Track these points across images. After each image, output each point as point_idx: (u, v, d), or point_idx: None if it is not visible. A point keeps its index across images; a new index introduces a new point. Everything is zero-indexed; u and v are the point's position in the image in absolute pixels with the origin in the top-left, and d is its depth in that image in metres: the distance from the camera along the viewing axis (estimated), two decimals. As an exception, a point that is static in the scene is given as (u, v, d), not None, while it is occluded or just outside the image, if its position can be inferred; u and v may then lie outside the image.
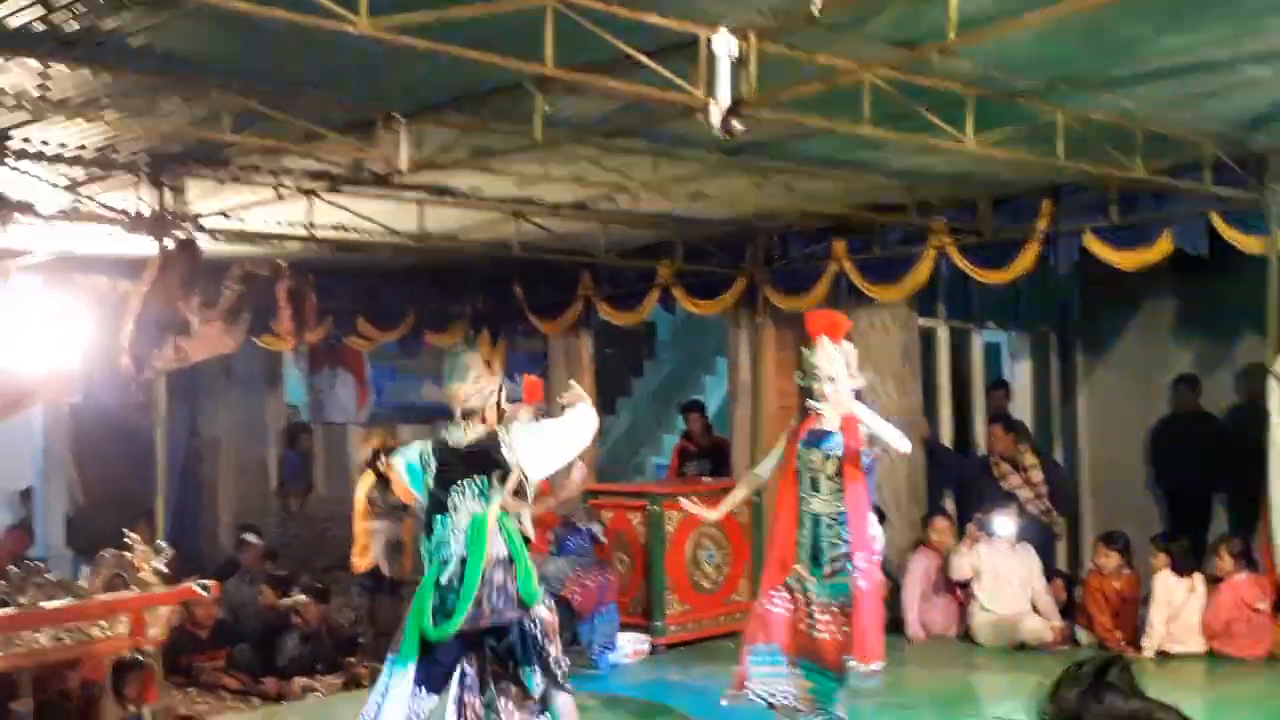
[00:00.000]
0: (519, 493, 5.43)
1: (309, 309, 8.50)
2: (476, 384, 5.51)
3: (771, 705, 6.17)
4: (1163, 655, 8.43)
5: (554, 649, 5.44)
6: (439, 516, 5.34)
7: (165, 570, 7.34)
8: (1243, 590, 8.38)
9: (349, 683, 9.06)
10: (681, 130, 7.00)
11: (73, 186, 8.05)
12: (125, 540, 7.26)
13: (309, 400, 14.88)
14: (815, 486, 6.22)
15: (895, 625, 9.48)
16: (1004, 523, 9.28)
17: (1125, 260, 9.05)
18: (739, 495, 6.96)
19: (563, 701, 5.49)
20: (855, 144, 7.46)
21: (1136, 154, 7.54)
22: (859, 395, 6.33)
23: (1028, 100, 6.74)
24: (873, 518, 6.29)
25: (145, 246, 8.65)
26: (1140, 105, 7.01)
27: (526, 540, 5.45)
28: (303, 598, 10.09)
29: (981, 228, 9.60)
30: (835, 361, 6.24)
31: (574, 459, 6.02)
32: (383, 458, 8.20)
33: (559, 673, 5.46)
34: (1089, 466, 11.46)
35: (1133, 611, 8.87)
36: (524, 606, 5.33)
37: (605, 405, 14.00)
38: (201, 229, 8.51)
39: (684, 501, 6.80)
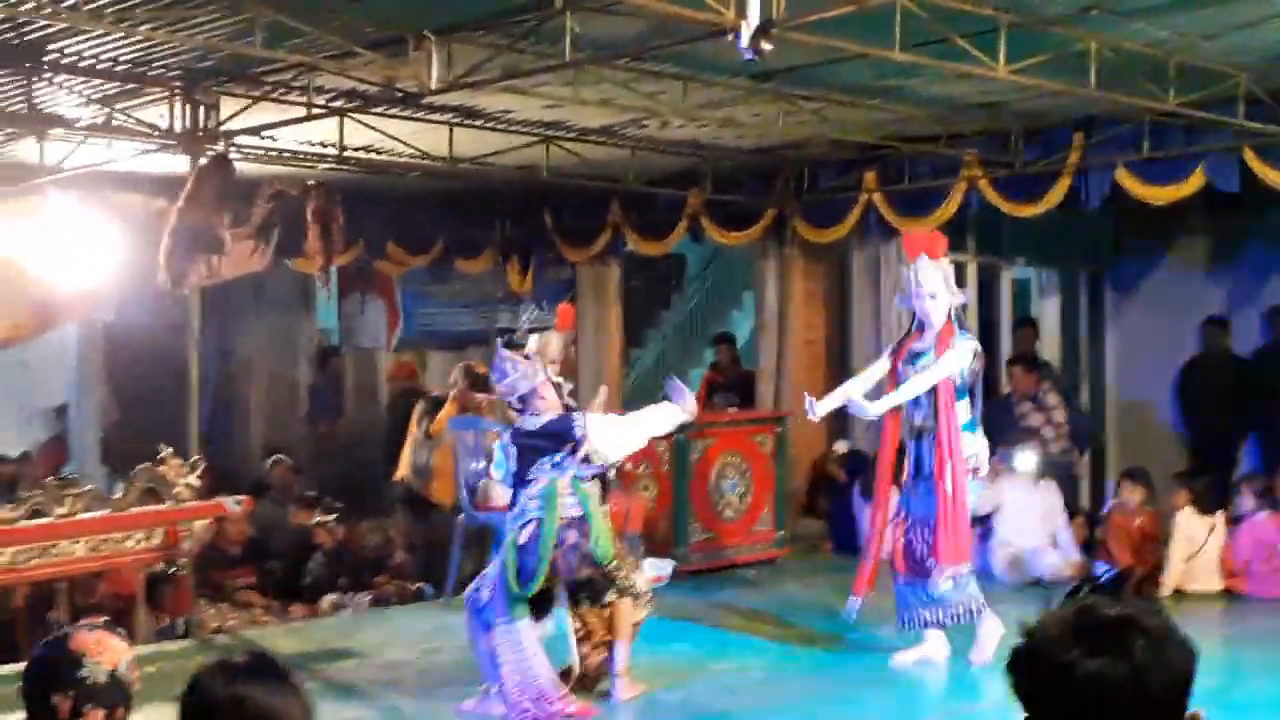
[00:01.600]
0: (594, 469, 5.93)
1: (336, 229, 8.53)
2: (516, 374, 5.93)
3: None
4: (1180, 593, 8.47)
5: (628, 573, 6.09)
6: (519, 489, 5.86)
7: (198, 485, 7.47)
8: (1263, 529, 8.39)
9: (378, 600, 9.20)
10: (711, 54, 6.99)
11: (106, 101, 8.10)
12: (159, 455, 7.38)
13: (339, 325, 14.99)
14: (916, 402, 6.57)
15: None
16: (1026, 458, 9.29)
17: (1156, 195, 8.98)
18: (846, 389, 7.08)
19: (624, 605, 6.04)
20: (886, 70, 7.42)
21: (1169, 86, 7.46)
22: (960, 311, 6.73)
23: (1061, 28, 6.68)
24: (970, 434, 6.59)
25: (178, 164, 8.72)
26: (1174, 35, 6.94)
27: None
28: (329, 518, 10.23)
29: (1013, 160, 9.54)
30: (935, 279, 6.58)
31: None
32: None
33: (630, 588, 6.07)
34: (1115, 405, 11.46)
35: (1153, 549, 8.89)
36: (595, 564, 5.90)
37: (632, 337, 14.07)
38: (234, 146, 8.56)
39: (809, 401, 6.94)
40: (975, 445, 6.66)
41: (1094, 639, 1.74)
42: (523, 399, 5.93)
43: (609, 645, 6.12)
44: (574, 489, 5.81)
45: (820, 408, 6.84)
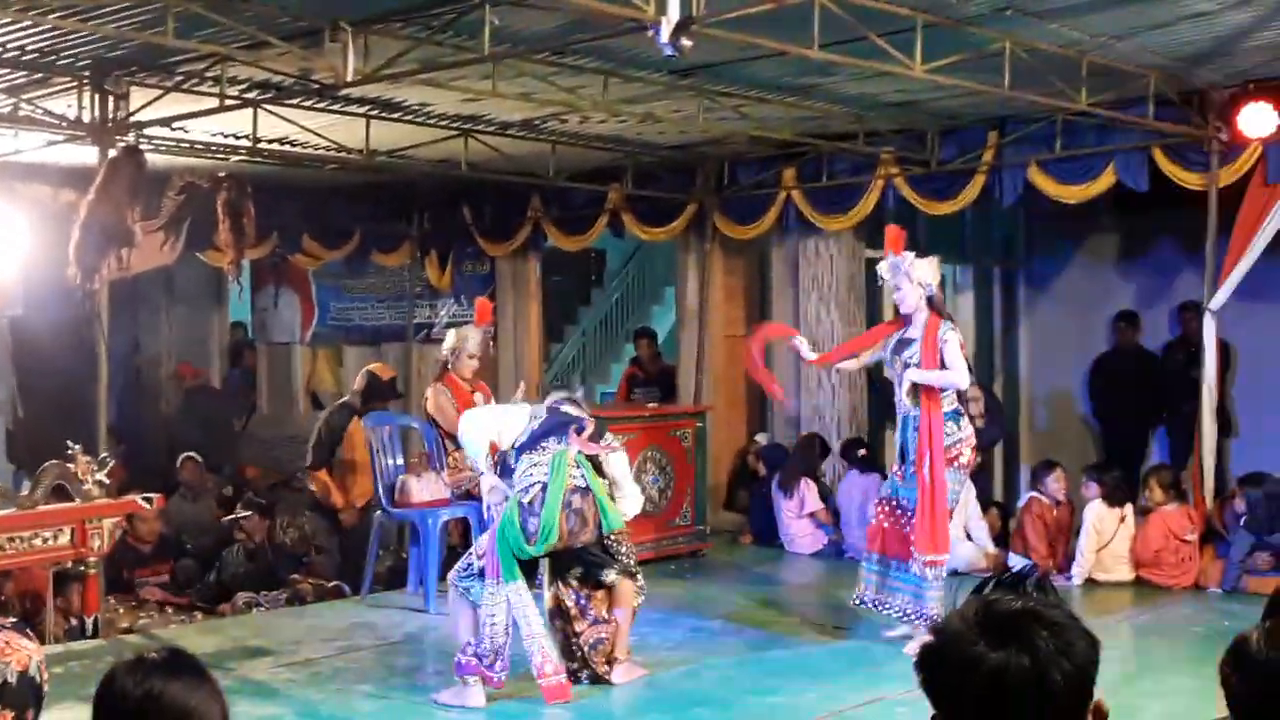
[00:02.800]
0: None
1: (247, 222, 8.39)
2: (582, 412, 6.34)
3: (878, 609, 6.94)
4: (1091, 583, 8.63)
5: (629, 551, 6.31)
6: (522, 459, 6.03)
7: (107, 482, 7.32)
8: (1171, 521, 8.56)
9: (293, 598, 9.09)
10: (632, 49, 7.00)
11: (13, 91, 7.92)
12: (68, 451, 7.21)
13: (253, 319, 14.78)
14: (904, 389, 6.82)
15: (837, 548, 9.69)
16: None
17: (1068, 194, 9.16)
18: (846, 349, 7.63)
19: (625, 586, 6.22)
20: (805, 68, 7.48)
21: (1082, 86, 7.61)
22: (932, 302, 6.86)
23: (976, 28, 6.77)
24: (951, 423, 6.72)
25: (87, 155, 8.54)
26: (1086, 36, 7.07)
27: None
28: (245, 514, 10.10)
29: (928, 158, 9.67)
30: (896, 273, 6.84)
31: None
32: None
33: (632, 567, 6.28)
34: (1028, 399, 11.66)
35: (1066, 540, 9.05)
36: (600, 530, 6.05)
37: (552, 333, 14.04)
38: (144, 138, 8.40)
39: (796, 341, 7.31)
40: (959, 434, 6.78)
41: (997, 632, 1.77)
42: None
43: (606, 624, 6.23)
44: (579, 462, 6.01)
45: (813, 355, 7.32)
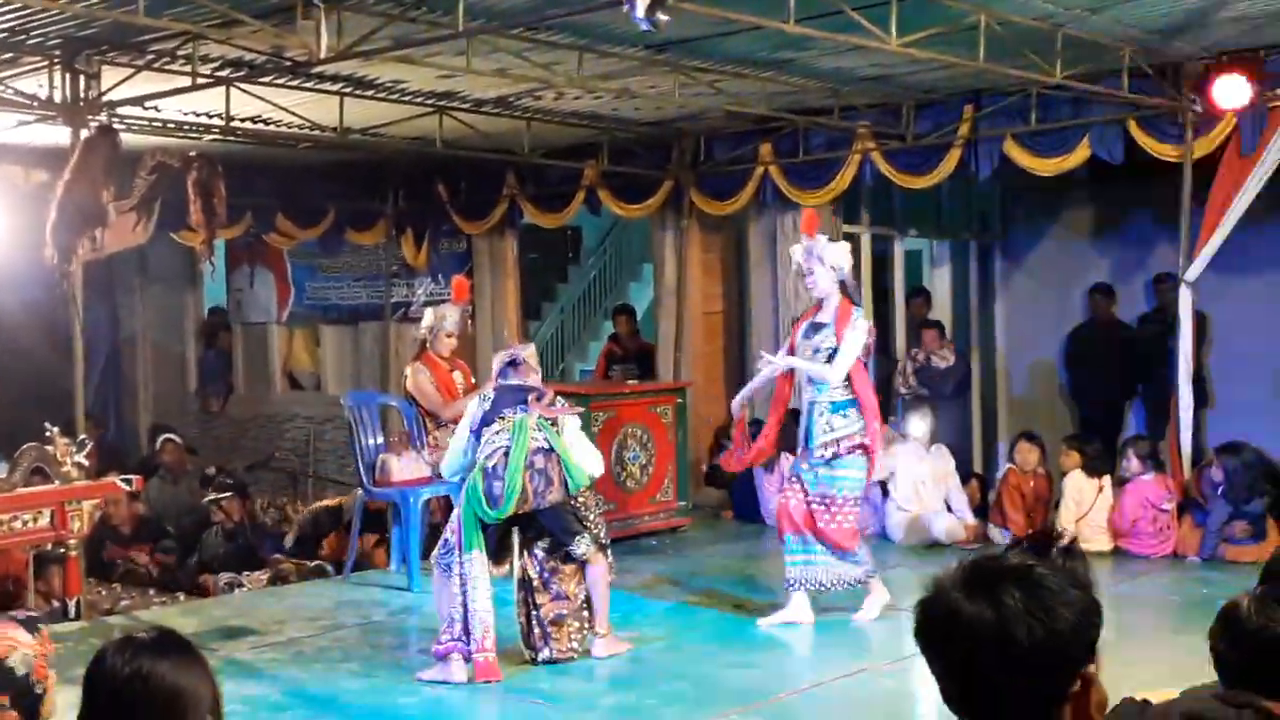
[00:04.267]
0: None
1: (218, 202, 8.31)
2: (533, 378, 6.27)
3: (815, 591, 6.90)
4: (1070, 552, 8.68)
5: (599, 522, 6.25)
6: (486, 428, 6.07)
7: (86, 464, 7.28)
8: (1149, 491, 8.62)
9: (274, 579, 9.08)
10: (607, 24, 6.97)
11: (-19, 71, 7.84)
12: (46, 433, 7.17)
13: (228, 299, 14.70)
14: (810, 376, 6.80)
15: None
16: (917, 424, 9.47)
17: (1044, 166, 9.18)
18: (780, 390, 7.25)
19: (598, 571, 6.19)
20: (781, 43, 7.47)
21: (1056, 59, 7.62)
22: (845, 288, 6.84)
23: (952, 1, 6.77)
24: (854, 410, 6.74)
25: (58, 135, 8.46)
26: (1061, 9, 7.08)
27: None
28: (222, 495, 10.08)
29: (904, 132, 9.67)
30: (810, 257, 6.80)
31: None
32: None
33: (603, 539, 6.22)
34: (1005, 371, 11.70)
35: (1045, 511, 9.11)
36: (567, 490, 6.03)
37: (530, 310, 14.01)
38: (116, 117, 8.33)
39: (765, 356, 7.18)
40: (854, 425, 6.76)
41: (974, 585, 1.80)
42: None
43: (567, 600, 6.20)
44: (540, 425, 6.01)
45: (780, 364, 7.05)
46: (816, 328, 6.81)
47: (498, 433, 6.03)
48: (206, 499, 10.28)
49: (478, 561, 5.94)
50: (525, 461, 5.92)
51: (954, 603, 1.79)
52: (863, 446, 6.76)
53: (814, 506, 6.78)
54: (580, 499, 6.20)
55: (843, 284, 6.81)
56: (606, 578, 6.29)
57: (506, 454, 5.94)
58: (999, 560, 1.85)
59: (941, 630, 1.81)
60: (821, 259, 6.75)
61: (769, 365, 6.94)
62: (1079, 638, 1.80)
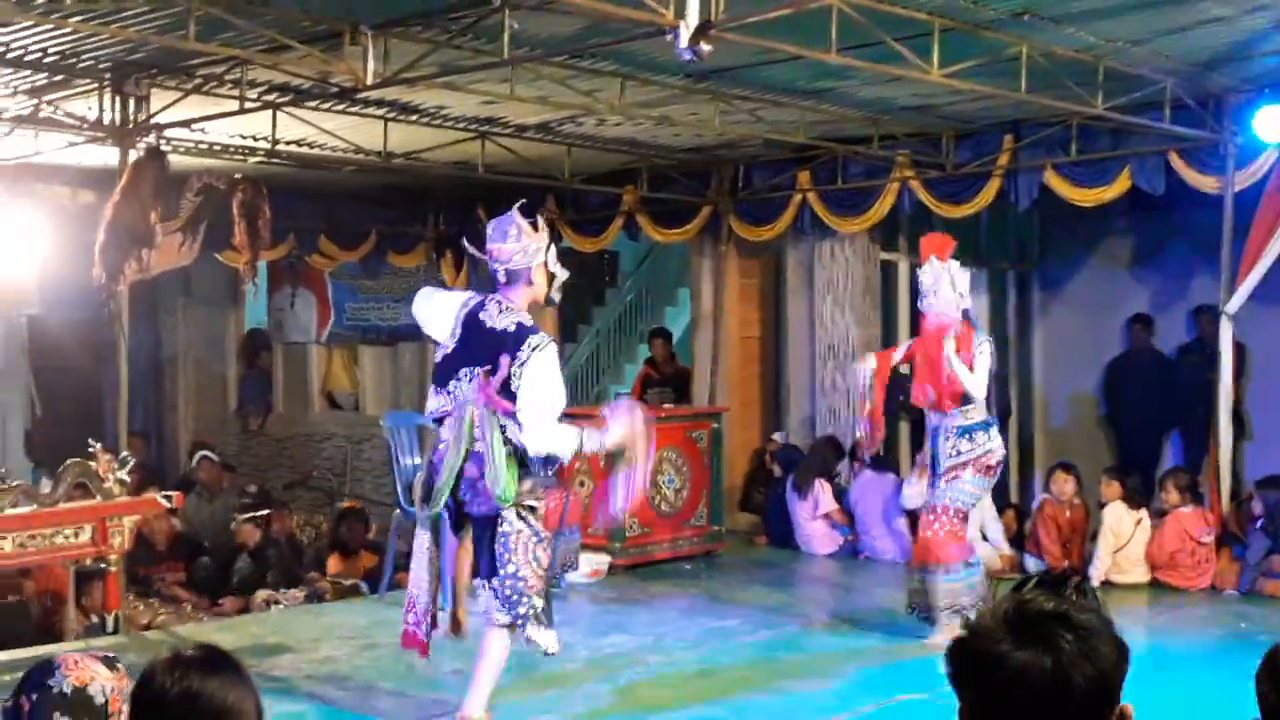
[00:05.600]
0: (511, 398, 4.94)
1: (263, 224, 8.44)
2: (519, 242, 5.13)
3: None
4: (1108, 584, 8.63)
5: (518, 570, 5.03)
6: (436, 389, 5.16)
7: (128, 480, 7.38)
8: (1187, 523, 8.56)
9: (311, 596, 9.14)
10: (649, 53, 7.04)
11: (34, 92, 7.98)
12: (89, 449, 7.27)
13: (269, 319, 14.84)
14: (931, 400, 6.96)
15: (852, 549, 9.72)
16: (954, 454, 9.42)
17: (1084, 197, 9.17)
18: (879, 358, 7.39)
19: (492, 639, 5.13)
20: (821, 72, 7.51)
21: (1098, 90, 7.62)
22: (968, 315, 6.96)
23: (993, 32, 6.79)
24: (982, 432, 6.87)
25: (106, 156, 8.61)
26: (1102, 40, 7.08)
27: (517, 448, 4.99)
28: (250, 515, 10.11)
29: (944, 161, 9.68)
30: (940, 279, 6.84)
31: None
32: None
33: (511, 602, 5.04)
34: (1042, 401, 11.66)
35: (1081, 542, 9.07)
36: (496, 504, 5.01)
37: (567, 333, 14.07)
38: (164, 139, 8.46)
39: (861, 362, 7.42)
40: (989, 443, 6.91)
41: (1024, 631, 1.80)
42: (510, 275, 5.16)
43: None
44: (485, 423, 4.95)
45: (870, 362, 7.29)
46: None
47: (446, 427, 5.11)
48: (242, 518, 10.34)
49: (422, 536, 5.25)
50: (458, 468, 5.01)
51: (1001, 650, 1.79)
52: (988, 467, 6.90)
53: (933, 520, 6.90)
54: (508, 537, 5.05)
55: (965, 311, 6.93)
56: (496, 657, 5.17)
57: (446, 451, 5.07)
58: (1034, 603, 1.85)
59: (988, 676, 1.80)
60: (953, 283, 6.85)
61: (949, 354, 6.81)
62: (1119, 674, 1.82)
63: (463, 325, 5.13)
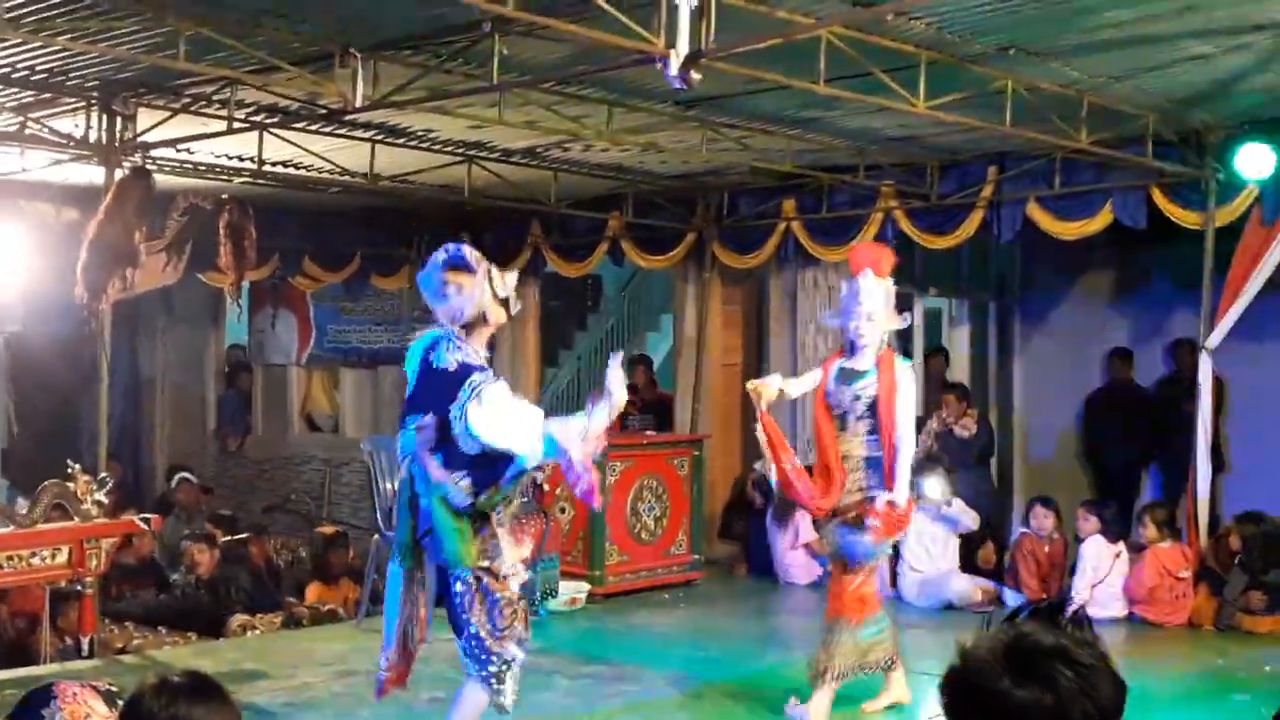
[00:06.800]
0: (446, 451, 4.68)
1: (249, 245, 8.43)
2: (460, 295, 4.78)
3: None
4: (1085, 618, 8.63)
5: (477, 631, 4.80)
6: (402, 430, 4.88)
7: (106, 502, 7.32)
8: (1166, 558, 8.58)
9: (288, 621, 9.06)
10: (637, 80, 7.06)
11: (20, 109, 7.95)
12: (67, 470, 7.22)
13: (250, 340, 14.79)
14: (843, 425, 6.08)
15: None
16: (933, 486, 9.40)
17: (1066, 230, 9.23)
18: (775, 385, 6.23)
19: (467, 690, 4.92)
20: (808, 102, 7.55)
21: (1081, 125, 7.69)
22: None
23: (979, 66, 6.85)
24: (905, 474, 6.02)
25: (90, 175, 8.58)
26: (1086, 76, 7.15)
27: (472, 506, 4.75)
28: (200, 546, 9.85)
29: (928, 192, 9.74)
30: (875, 297, 6.04)
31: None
32: None
33: (481, 661, 4.82)
34: (1021, 433, 11.68)
35: (1060, 575, 9.08)
36: (450, 561, 4.82)
37: (548, 357, 14.07)
38: (151, 158, 8.44)
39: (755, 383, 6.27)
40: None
41: (1023, 668, 1.79)
42: (467, 326, 4.83)
43: None
44: (424, 480, 4.75)
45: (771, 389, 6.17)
46: (853, 374, 6.06)
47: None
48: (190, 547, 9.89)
49: (400, 578, 4.96)
50: (409, 522, 4.83)
51: (1001, 686, 1.78)
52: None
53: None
54: (464, 596, 4.79)
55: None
56: (478, 703, 4.92)
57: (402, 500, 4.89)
58: (1033, 638, 1.84)
59: (983, 711, 1.80)
60: (887, 303, 6.07)
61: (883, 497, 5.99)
62: (1116, 709, 1.82)
63: (420, 364, 4.85)
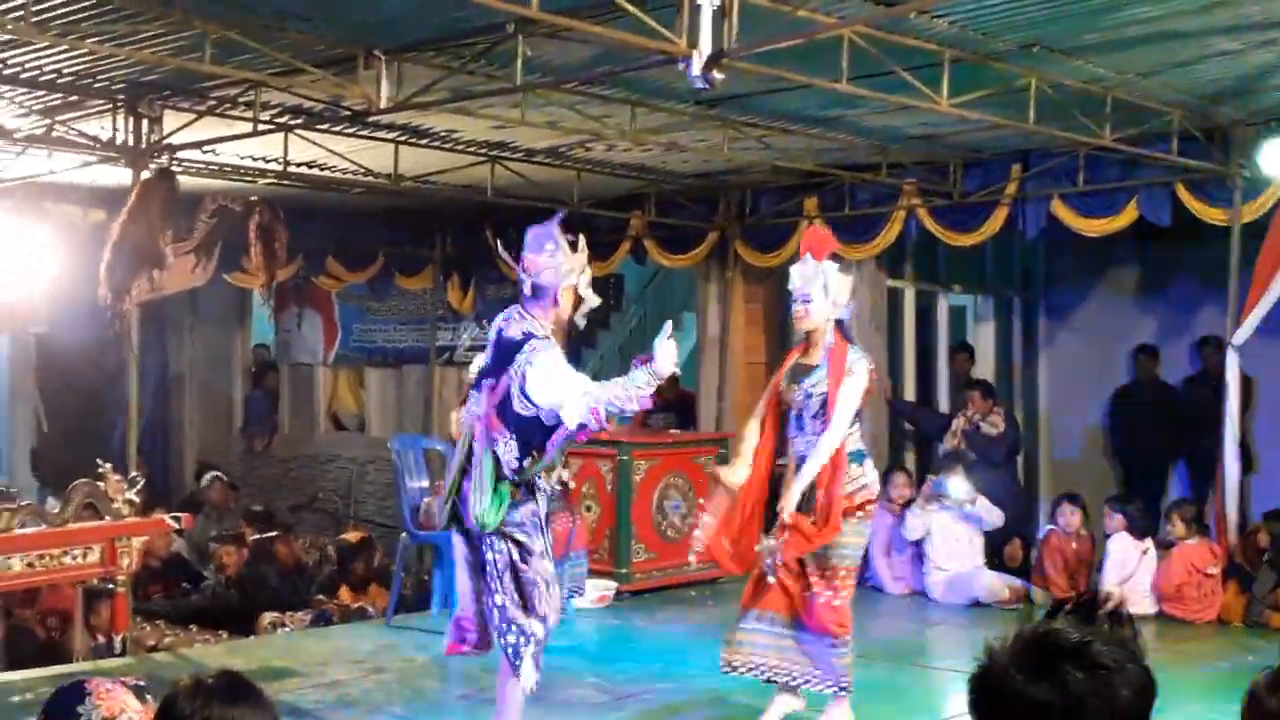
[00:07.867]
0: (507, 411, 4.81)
1: (280, 246, 8.50)
2: (553, 258, 4.98)
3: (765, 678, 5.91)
4: (1112, 615, 8.60)
5: (503, 601, 4.86)
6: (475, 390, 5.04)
7: (136, 501, 7.38)
8: (1194, 555, 8.54)
9: (318, 619, 9.12)
10: (659, 80, 7.07)
11: (48, 112, 8.02)
12: (98, 469, 7.28)
13: (275, 339, 14.87)
14: (799, 425, 5.65)
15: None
16: (957, 484, 9.38)
17: (1091, 227, 9.19)
18: (749, 445, 5.85)
19: (505, 690, 4.96)
20: (830, 101, 7.55)
21: (1105, 122, 7.66)
22: (842, 326, 5.71)
23: (1002, 64, 6.83)
24: (858, 464, 5.63)
25: (118, 177, 8.65)
26: (1111, 72, 7.13)
27: (517, 471, 4.84)
28: (229, 547, 9.98)
29: (951, 190, 9.72)
30: (814, 282, 5.61)
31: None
32: None
33: (501, 630, 4.88)
34: (1047, 430, 11.65)
35: (1087, 572, 9.05)
36: (476, 523, 4.88)
37: (571, 356, 14.07)
38: (176, 160, 8.50)
39: (716, 469, 6.16)
40: (866, 476, 5.68)
41: (1036, 667, 1.79)
42: (535, 289, 4.98)
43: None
44: (483, 439, 4.88)
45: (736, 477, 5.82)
46: (805, 370, 5.64)
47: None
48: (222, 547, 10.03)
49: (458, 543, 5.09)
50: (456, 484, 4.96)
51: (1016, 685, 1.79)
52: (861, 506, 5.62)
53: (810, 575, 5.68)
54: (496, 562, 4.88)
55: (840, 322, 5.68)
56: (517, 697, 4.95)
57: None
58: (1054, 636, 1.83)
59: (1002, 711, 1.81)
60: (826, 288, 5.59)
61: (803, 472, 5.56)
62: (1135, 711, 1.81)
63: (495, 334, 5.07)
